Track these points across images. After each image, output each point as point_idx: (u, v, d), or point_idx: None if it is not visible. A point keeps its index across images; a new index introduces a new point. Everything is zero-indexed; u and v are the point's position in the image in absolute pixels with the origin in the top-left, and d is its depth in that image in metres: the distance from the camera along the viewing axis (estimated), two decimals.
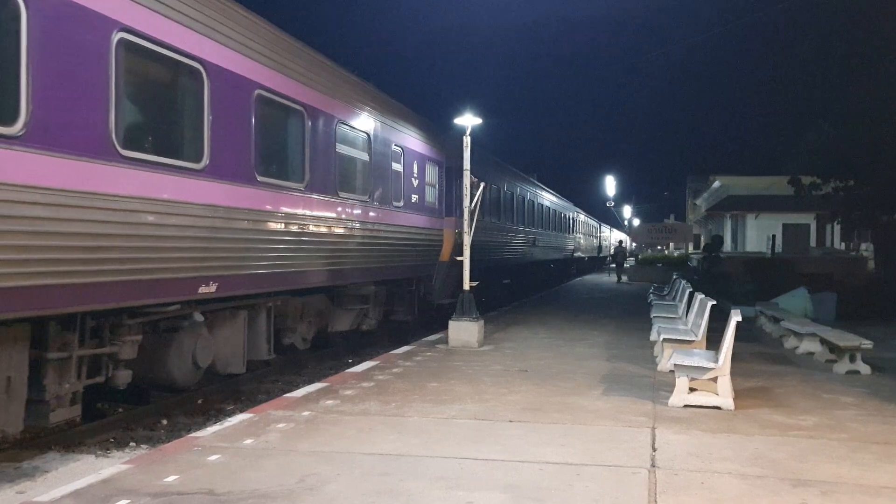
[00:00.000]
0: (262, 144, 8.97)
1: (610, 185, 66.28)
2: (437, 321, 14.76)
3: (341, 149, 11.20)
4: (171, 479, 5.24)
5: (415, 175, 14.54)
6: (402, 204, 13.71)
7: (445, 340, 12.43)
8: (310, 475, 5.35)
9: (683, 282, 16.86)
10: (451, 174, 16.28)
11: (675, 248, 60.69)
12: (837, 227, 33.25)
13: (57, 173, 5.84)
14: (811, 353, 11.63)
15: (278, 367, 11.05)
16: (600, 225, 63.80)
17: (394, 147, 13.44)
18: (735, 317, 7.94)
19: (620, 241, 51.48)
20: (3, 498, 5.70)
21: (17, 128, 5.52)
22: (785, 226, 38.83)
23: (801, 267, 24.01)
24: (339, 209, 11.05)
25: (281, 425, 6.80)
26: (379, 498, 4.91)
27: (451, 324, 12.39)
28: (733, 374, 8.00)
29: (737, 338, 8.05)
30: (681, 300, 14.24)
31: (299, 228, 9.80)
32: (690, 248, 53.42)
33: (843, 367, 10.16)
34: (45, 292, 5.80)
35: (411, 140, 14.40)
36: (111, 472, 5.43)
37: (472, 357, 11.15)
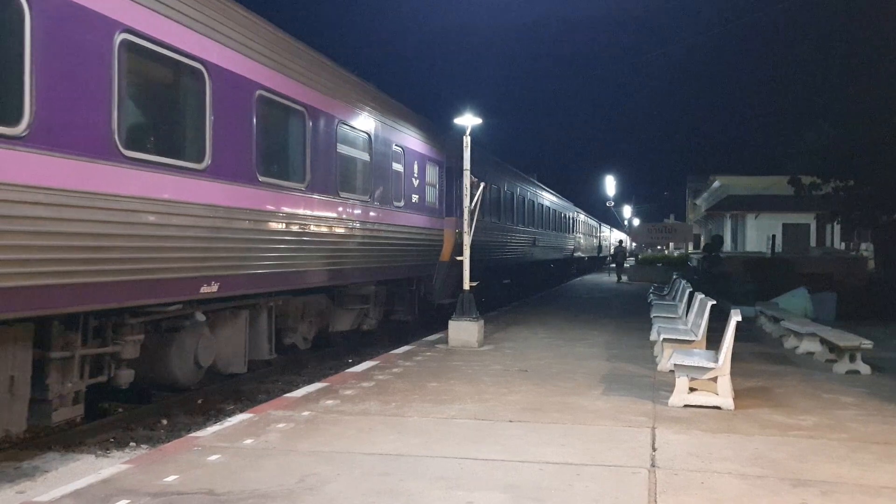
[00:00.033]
0: (264, 145, 8.99)
1: (610, 184, 66.38)
2: (437, 321, 14.76)
3: (342, 149, 11.21)
4: (171, 479, 5.24)
5: (415, 175, 14.55)
6: (402, 204, 13.72)
7: (445, 340, 12.43)
8: (310, 475, 5.35)
9: (683, 282, 16.86)
10: (451, 174, 16.28)
11: (675, 248, 60.70)
12: (837, 227, 33.26)
13: (60, 174, 5.86)
14: (811, 353, 11.63)
15: (278, 367, 11.05)
16: (600, 225, 63.81)
17: (394, 147, 13.44)
18: (735, 317, 7.94)
19: (620, 241, 51.49)
20: (3, 498, 5.71)
21: (20, 128, 5.55)
22: (785, 226, 38.82)
23: (800, 267, 24.00)
24: (340, 209, 11.06)
25: (281, 425, 6.80)
26: (379, 498, 4.92)
27: (451, 324, 12.40)
28: (733, 373, 8.00)
29: (737, 338, 8.05)
30: (681, 300, 14.24)
31: (300, 228, 9.81)
32: (690, 248, 53.42)
33: (843, 366, 10.16)
34: (49, 292, 5.81)
35: (412, 140, 14.41)
36: (111, 471, 5.43)
37: (472, 357, 11.15)
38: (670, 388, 8.07)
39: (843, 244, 39.07)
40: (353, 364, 10.90)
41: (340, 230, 11.07)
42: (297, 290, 10.37)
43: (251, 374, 10.12)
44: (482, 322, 12.70)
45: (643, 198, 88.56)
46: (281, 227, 9.34)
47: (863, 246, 35.22)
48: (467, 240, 12.98)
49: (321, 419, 7.08)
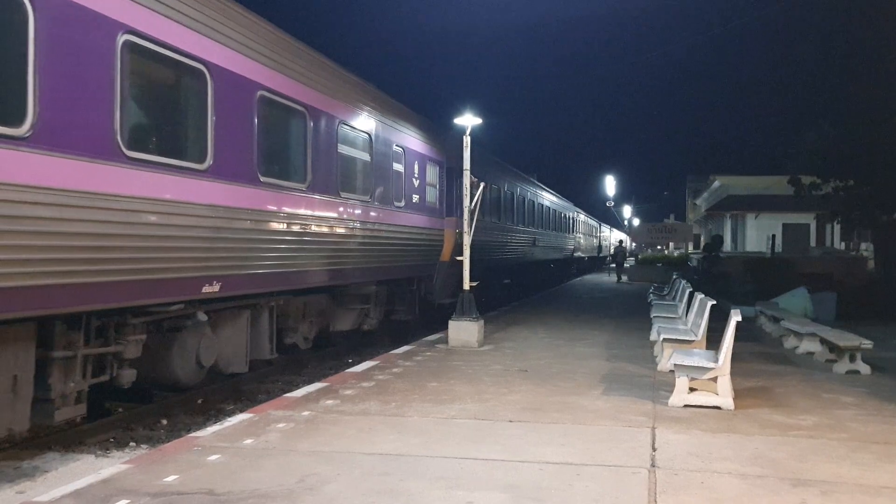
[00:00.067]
0: (265, 145, 9.00)
1: (610, 184, 66.36)
2: (437, 321, 14.76)
3: (343, 149, 11.22)
4: (170, 479, 5.25)
5: (415, 175, 14.55)
6: (403, 204, 13.72)
7: (445, 340, 12.43)
8: (310, 475, 5.35)
9: (683, 282, 16.86)
10: (451, 174, 16.28)
11: (675, 248, 60.70)
12: (837, 227, 33.27)
13: (63, 174, 5.88)
14: (811, 353, 11.63)
15: (279, 367, 11.06)
16: (600, 225, 63.81)
17: (395, 147, 13.45)
18: (735, 316, 7.94)
19: (620, 241, 51.49)
20: (3, 498, 5.71)
21: (24, 129, 5.56)
22: (785, 226, 38.82)
23: (800, 267, 24.00)
24: (341, 209, 11.07)
25: (281, 425, 6.80)
26: (379, 498, 4.92)
27: (451, 324, 12.40)
28: (733, 373, 8.00)
29: (737, 338, 8.05)
30: (681, 300, 14.24)
31: (301, 228, 9.82)
32: (690, 248, 53.41)
33: (842, 366, 10.16)
34: (51, 292, 5.83)
35: (412, 140, 14.41)
36: (111, 472, 5.43)
37: (472, 357, 11.15)
38: (670, 388, 8.08)
39: (843, 244, 39.07)
40: (353, 364, 10.90)
41: (341, 230, 11.07)
42: (298, 290, 10.38)
43: (251, 373, 10.13)
44: (482, 322, 12.70)
45: (643, 198, 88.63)
46: (282, 227, 9.35)
47: (863, 246, 35.22)
48: (467, 240, 12.99)
49: (321, 419, 7.08)
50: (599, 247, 59.73)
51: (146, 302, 7.14)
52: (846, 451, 6.22)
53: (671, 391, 7.96)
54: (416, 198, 14.50)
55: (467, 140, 13.11)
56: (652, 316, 13.70)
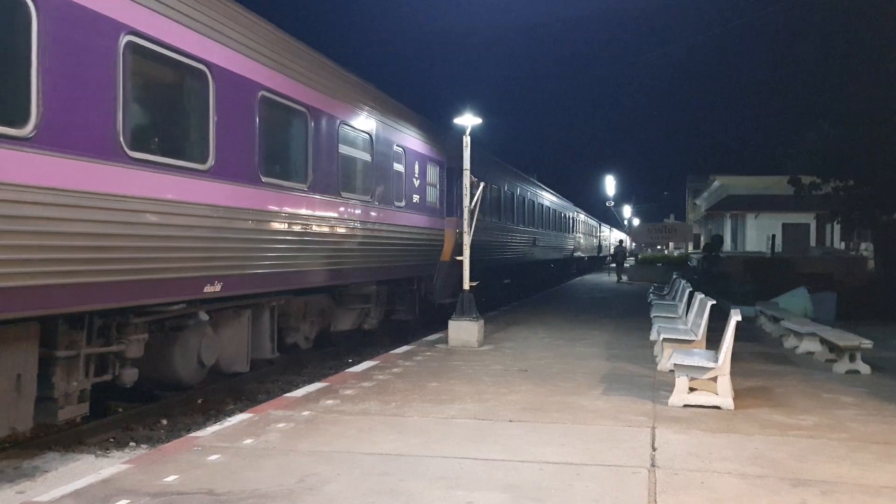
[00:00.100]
0: (267, 145, 9.01)
1: (610, 184, 66.33)
2: (437, 321, 14.77)
3: (343, 149, 11.23)
4: (170, 479, 5.25)
5: (416, 175, 14.55)
6: (403, 204, 13.73)
7: (445, 340, 12.44)
8: (310, 475, 5.36)
9: (683, 281, 16.86)
10: (451, 174, 16.28)
11: (675, 248, 60.69)
12: (837, 227, 33.27)
13: (66, 174, 5.90)
14: (811, 353, 11.63)
15: (279, 367, 11.06)
16: (600, 224, 63.81)
17: (395, 147, 13.45)
18: (735, 316, 7.94)
19: (620, 241, 51.47)
20: (3, 498, 5.71)
21: (27, 129, 5.58)
22: (785, 225, 38.84)
23: (800, 267, 24.01)
24: (342, 209, 11.07)
25: (281, 425, 6.81)
26: (379, 498, 4.92)
27: (451, 323, 12.40)
28: (733, 373, 8.01)
29: (737, 337, 8.05)
30: (681, 300, 14.24)
31: (303, 228, 9.83)
32: (690, 248, 53.42)
33: (842, 366, 10.16)
34: (52, 292, 5.83)
35: (412, 140, 14.41)
36: (111, 472, 5.43)
37: (472, 357, 11.15)
38: (670, 387, 8.08)
39: (843, 244, 39.07)
40: (353, 364, 10.90)
41: (342, 230, 11.08)
42: (299, 290, 10.39)
43: (251, 373, 10.13)
44: (482, 322, 12.71)
45: (643, 198, 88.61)
46: (283, 227, 9.36)
47: (863, 246, 35.21)
48: (467, 240, 12.99)
49: (321, 419, 7.08)
50: (599, 247, 59.73)
51: (148, 302, 7.16)
52: (846, 451, 6.22)
53: (671, 391, 7.97)
54: (416, 198, 14.50)
55: (467, 140, 13.11)
56: (652, 316, 13.70)
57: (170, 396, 8.81)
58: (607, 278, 41.48)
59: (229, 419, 7.23)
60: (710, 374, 7.74)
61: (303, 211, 9.84)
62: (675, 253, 55.25)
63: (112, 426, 7.77)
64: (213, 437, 6.41)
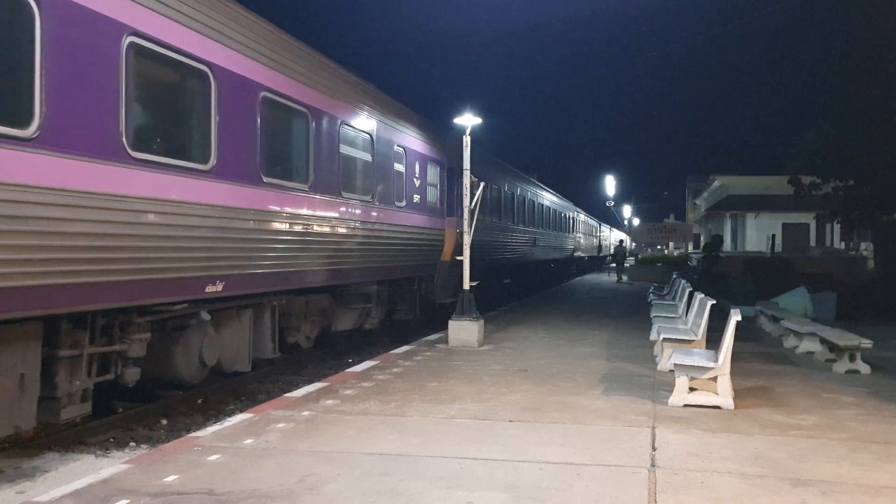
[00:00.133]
0: (268, 145, 9.02)
1: (610, 184, 66.28)
2: (437, 321, 14.77)
3: (344, 149, 11.24)
4: (170, 479, 5.25)
5: (416, 175, 14.56)
6: (404, 204, 13.73)
7: (445, 340, 12.44)
8: (310, 475, 5.36)
9: (683, 281, 16.86)
10: (452, 174, 16.29)
11: (675, 248, 60.69)
12: (837, 227, 33.23)
13: (69, 175, 5.91)
14: (811, 353, 11.63)
15: (279, 367, 11.07)
16: (600, 224, 63.80)
17: (396, 147, 13.45)
18: (735, 316, 7.94)
19: (620, 241, 51.47)
20: (3, 498, 5.71)
21: (31, 130, 5.59)
22: (785, 225, 38.82)
23: (800, 266, 24.01)
24: (343, 209, 11.08)
25: (281, 425, 6.81)
26: (379, 498, 4.92)
27: (451, 323, 12.40)
28: (733, 373, 8.01)
29: (737, 337, 8.05)
30: (681, 300, 14.24)
31: (304, 228, 9.85)
32: (690, 248, 53.42)
33: (842, 366, 10.16)
34: (57, 292, 5.84)
35: (413, 140, 14.41)
36: (111, 472, 5.44)
37: (472, 357, 11.15)
38: (670, 387, 8.08)
39: (843, 244, 39.06)
40: (354, 364, 10.91)
41: (343, 230, 11.09)
42: (300, 290, 10.40)
43: (251, 373, 10.14)
44: (482, 322, 12.71)
45: (643, 198, 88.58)
46: (285, 227, 9.37)
47: (863, 246, 35.18)
48: (467, 240, 12.99)
49: (321, 419, 7.09)
50: (599, 246, 59.73)
51: (150, 301, 7.17)
52: (846, 450, 6.22)
53: (671, 391, 7.97)
54: (416, 198, 14.51)
55: (467, 140, 13.12)
56: (652, 316, 13.70)
57: (170, 396, 8.81)
58: (607, 278, 41.49)
59: (229, 419, 7.23)
60: (710, 374, 7.74)
61: (304, 211, 9.84)
62: (675, 253, 55.26)
63: (112, 426, 7.77)
64: (213, 437, 6.42)
